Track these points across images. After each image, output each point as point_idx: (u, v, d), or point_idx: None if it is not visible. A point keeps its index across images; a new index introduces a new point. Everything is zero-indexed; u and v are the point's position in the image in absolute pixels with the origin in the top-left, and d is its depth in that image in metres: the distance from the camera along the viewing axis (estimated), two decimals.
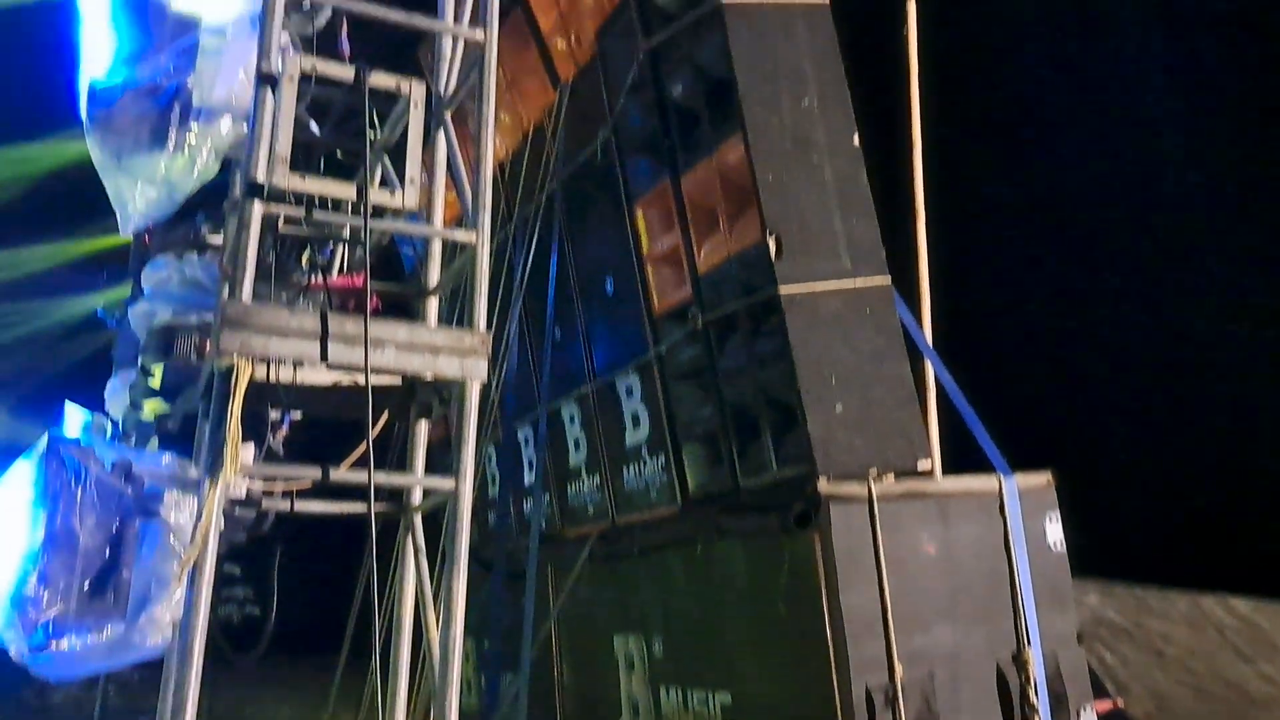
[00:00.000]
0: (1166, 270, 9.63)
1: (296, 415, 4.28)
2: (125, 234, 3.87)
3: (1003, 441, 5.61)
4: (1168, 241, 9.64)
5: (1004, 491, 5.40)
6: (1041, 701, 5.14)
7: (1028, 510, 5.45)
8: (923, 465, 5.30)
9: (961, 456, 5.64)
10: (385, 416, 4.07)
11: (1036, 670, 5.18)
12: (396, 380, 3.93)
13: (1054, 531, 5.55)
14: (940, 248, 6.00)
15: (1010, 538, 5.37)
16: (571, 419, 7.20)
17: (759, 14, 5.60)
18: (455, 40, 4.48)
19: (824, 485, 4.97)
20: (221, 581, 3.47)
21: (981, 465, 5.54)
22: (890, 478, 5.19)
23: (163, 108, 3.68)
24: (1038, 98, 10.55)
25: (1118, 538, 8.40)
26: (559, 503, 7.46)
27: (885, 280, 5.37)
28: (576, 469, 7.23)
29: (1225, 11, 9.48)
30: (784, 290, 5.15)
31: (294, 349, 3.43)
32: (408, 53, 8.64)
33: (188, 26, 3.75)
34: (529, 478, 7.81)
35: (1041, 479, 5.63)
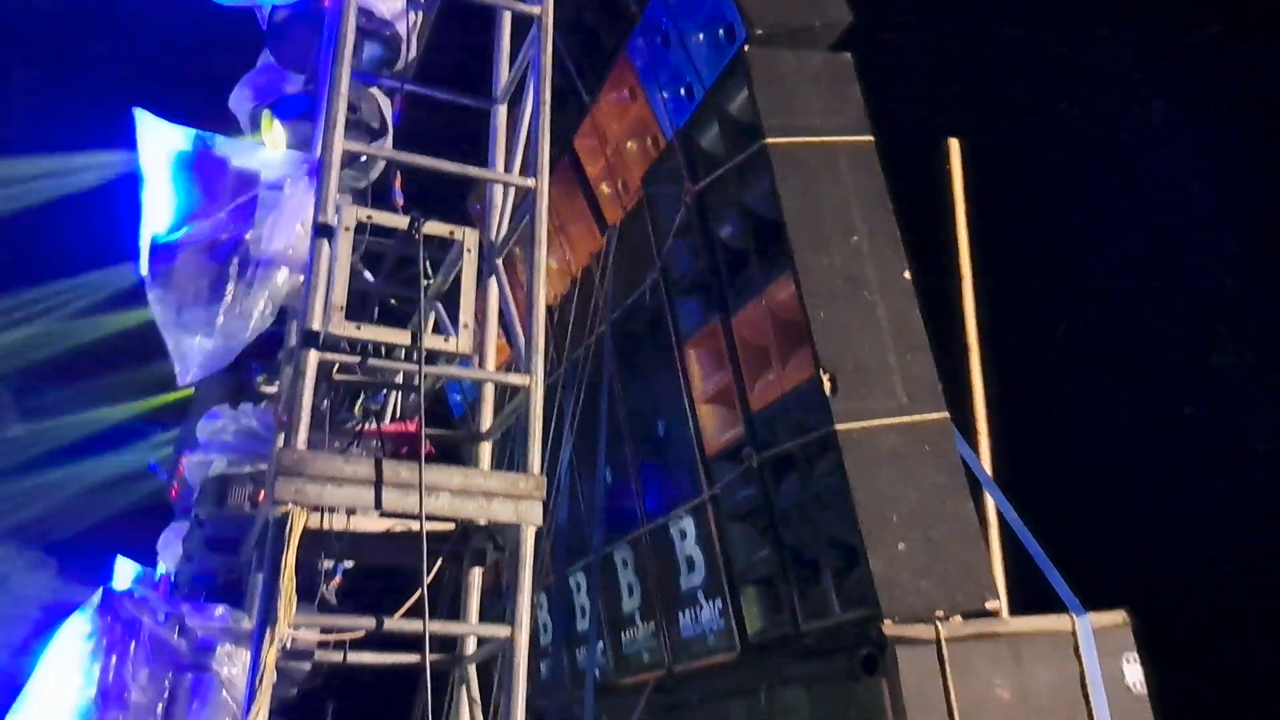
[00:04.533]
0: (1241, 390, 9.37)
1: (349, 564, 4.23)
2: (183, 384, 3.93)
3: (1073, 578, 5.39)
4: (1238, 357, 9.42)
5: (1078, 631, 5.15)
6: None
7: (1104, 651, 5.17)
8: (990, 605, 5.08)
9: (1030, 596, 5.42)
10: (439, 563, 4.00)
11: None
12: (450, 526, 3.88)
13: (1133, 673, 5.26)
14: (995, 380, 5.91)
15: (1087, 680, 5.09)
16: (624, 563, 7.06)
17: (804, 154, 5.67)
18: (506, 189, 4.60)
19: (889, 627, 4.78)
20: None
21: (1051, 604, 5.31)
22: (958, 619, 4.98)
23: (222, 262, 3.77)
24: (1085, 225, 10.52)
25: (1201, 680, 7.96)
26: (613, 650, 7.25)
27: (943, 415, 5.28)
28: (630, 615, 7.05)
29: None
30: (840, 427, 5.06)
31: (349, 497, 3.41)
32: (456, 203, 8.91)
33: (248, 183, 3.87)
34: (582, 625, 7.63)
35: (1116, 617, 5.35)
